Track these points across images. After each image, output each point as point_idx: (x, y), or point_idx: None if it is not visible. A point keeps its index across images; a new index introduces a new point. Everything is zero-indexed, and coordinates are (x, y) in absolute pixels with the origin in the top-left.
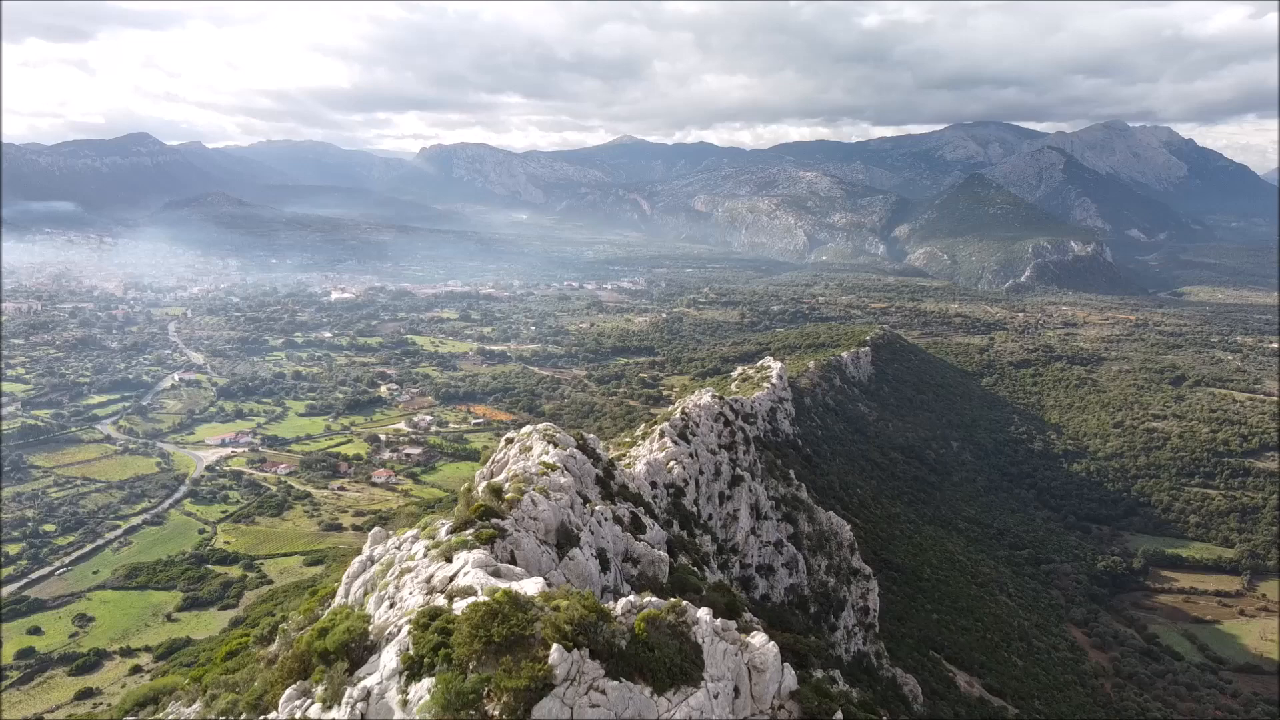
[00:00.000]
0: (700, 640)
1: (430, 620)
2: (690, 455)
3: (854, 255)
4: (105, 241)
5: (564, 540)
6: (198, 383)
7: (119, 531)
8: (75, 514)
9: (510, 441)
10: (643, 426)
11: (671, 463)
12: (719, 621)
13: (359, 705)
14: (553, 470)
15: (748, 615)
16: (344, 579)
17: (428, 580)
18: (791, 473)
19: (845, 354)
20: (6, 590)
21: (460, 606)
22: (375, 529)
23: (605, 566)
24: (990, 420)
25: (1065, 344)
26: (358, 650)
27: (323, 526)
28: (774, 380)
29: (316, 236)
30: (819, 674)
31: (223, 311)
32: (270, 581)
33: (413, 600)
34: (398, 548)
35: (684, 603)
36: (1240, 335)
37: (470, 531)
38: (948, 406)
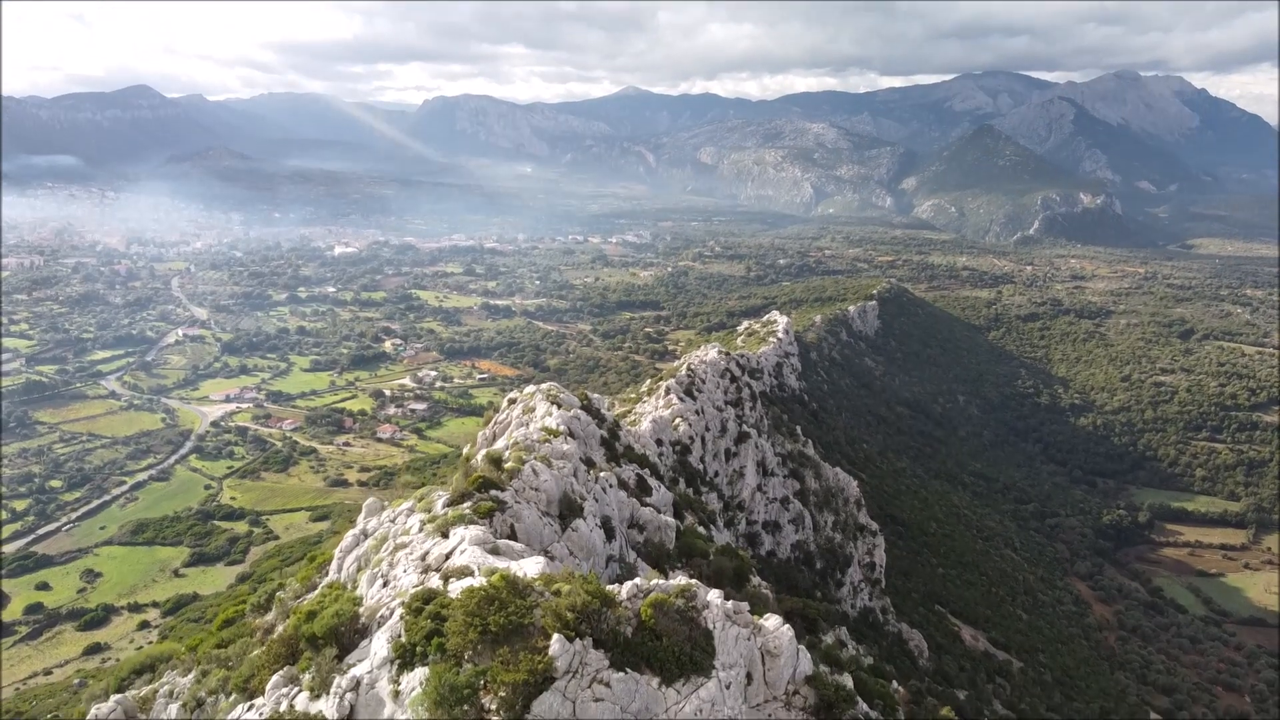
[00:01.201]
0: (711, 625)
1: (423, 604)
2: (696, 412)
3: (861, 208)
4: (107, 196)
5: (566, 511)
6: (201, 338)
7: (125, 487)
8: (81, 470)
9: (513, 402)
10: (648, 382)
11: (677, 420)
12: (730, 604)
13: (348, 696)
14: (555, 436)
15: (756, 580)
16: (336, 553)
17: (423, 558)
18: (798, 429)
19: (852, 308)
20: (14, 546)
21: (456, 588)
22: (370, 500)
23: (610, 535)
24: (997, 374)
25: (1073, 297)
26: (348, 634)
27: (328, 482)
28: (780, 335)
29: (319, 190)
30: (829, 638)
31: (226, 266)
32: (276, 537)
33: (407, 580)
34: (392, 521)
35: (694, 585)
36: (1250, 288)
37: (468, 505)
38: (954, 361)
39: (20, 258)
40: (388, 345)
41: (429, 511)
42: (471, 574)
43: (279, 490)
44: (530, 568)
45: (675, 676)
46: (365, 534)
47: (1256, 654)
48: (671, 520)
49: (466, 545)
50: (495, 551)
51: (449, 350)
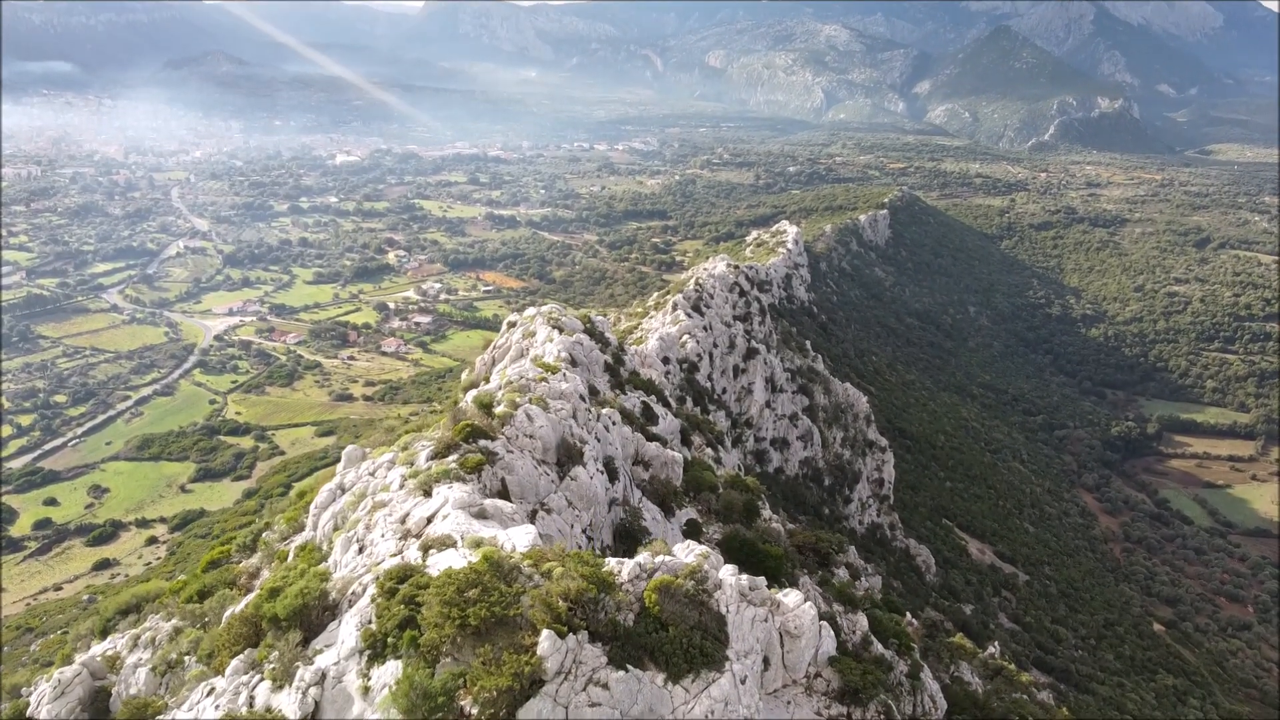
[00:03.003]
0: (724, 609)
1: (398, 584)
2: (704, 328)
3: (873, 113)
4: (104, 103)
5: (565, 457)
6: (203, 250)
7: (130, 402)
8: (85, 385)
9: (512, 325)
10: (655, 295)
11: (685, 337)
12: (745, 579)
13: (312, 691)
14: (553, 373)
15: (767, 513)
16: (312, 509)
17: (402, 520)
18: (808, 343)
19: (863, 217)
20: (20, 461)
21: (436, 564)
22: (350, 448)
23: (614, 476)
24: (1009, 284)
25: (1088, 205)
26: (316, 613)
27: (333, 396)
28: (790, 246)
29: (320, 97)
30: (842, 571)
31: (226, 176)
32: (282, 452)
33: (384, 547)
34: (371, 474)
35: (704, 565)
36: (1269, 195)
37: (454, 458)
38: (966, 271)
39: (17, 168)
40: (391, 257)
41: (411, 465)
42: (453, 545)
43: (284, 405)
44: (519, 538)
45: (684, 672)
46: (342, 489)
47: (1261, 565)
48: (678, 455)
49: (450, 509)
50: (482, 515)
51: (453, 262)
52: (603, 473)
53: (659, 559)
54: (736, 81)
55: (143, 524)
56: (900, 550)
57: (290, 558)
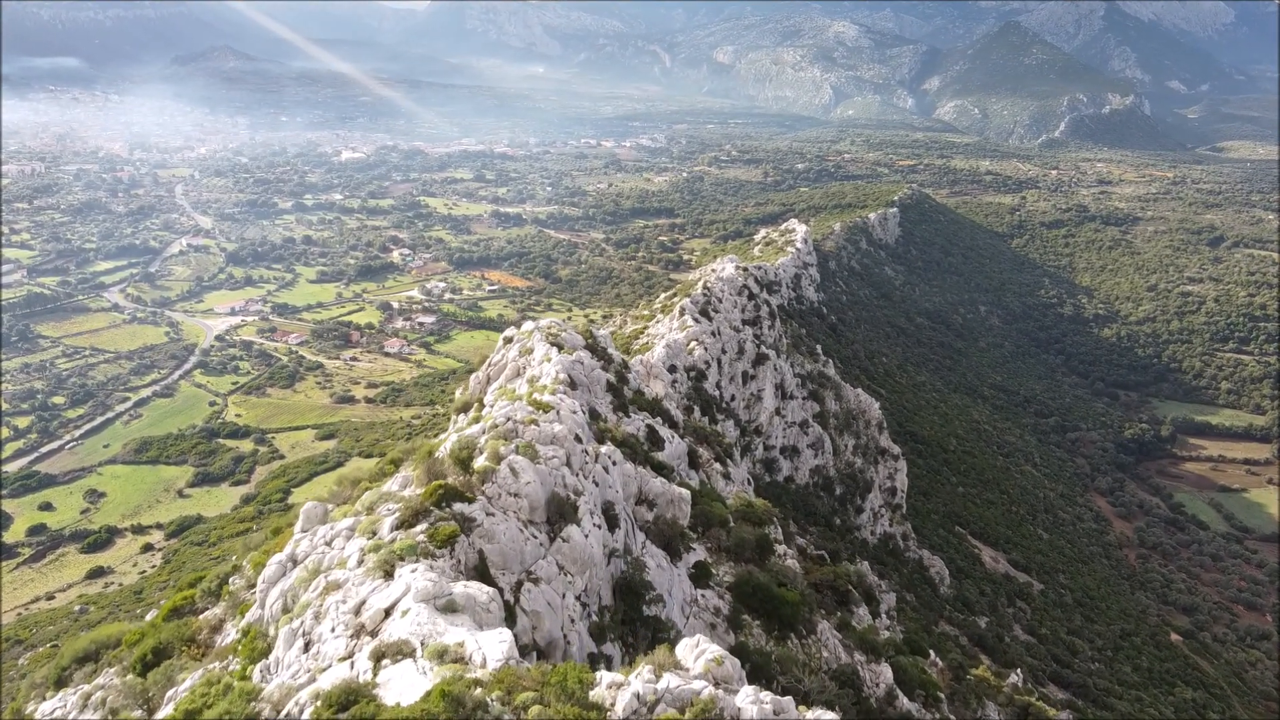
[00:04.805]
0: None
1: (339, 713)
2: (712, 334)
3: (882, 110)
4: (110, 99)
5: (556, 515)
6: (206, 248)
7: (129, 404)
8: (84, 385)
9: (509, 341)
10: (662, 297)
11: (692, 343)
12: (769, 703)
13: None
14: (545, 411)
15: (781, 548)
16: (260, 583)
17: (356, 610)
18: (818, 347)
19: (872, 215)
20: (17, 465)
21: (388, 680)
22: (308, 505)
23: (614, 524)
24: (1019, 283)
25: (1099, 203)
26: None
27: (335, 398)
28: (799, 244)
29: (327, 93)
30: (862, 611)
31: (230, 173)
32: (282, 456)
33: (332, 646)
34: (328, 543)
35: (718, 700)
36: None
37: (423, 528)
38: (976, 269)
39: (21, 165)
40: (395, 255)
41: (374, 534)
42: (412, 654)
43: (284, 407)
44: (491, 648)
45: None
46: (294, 560)
47: (1278, 572)
48: (685, 493)
49: (412, 602)
50: (451, 608)
51: (458, 260)
52: (600, 527)
53: (663, 684)
54: (744, 77)
55: (138, 530)
56: (914, 562)
57: (233, 632)
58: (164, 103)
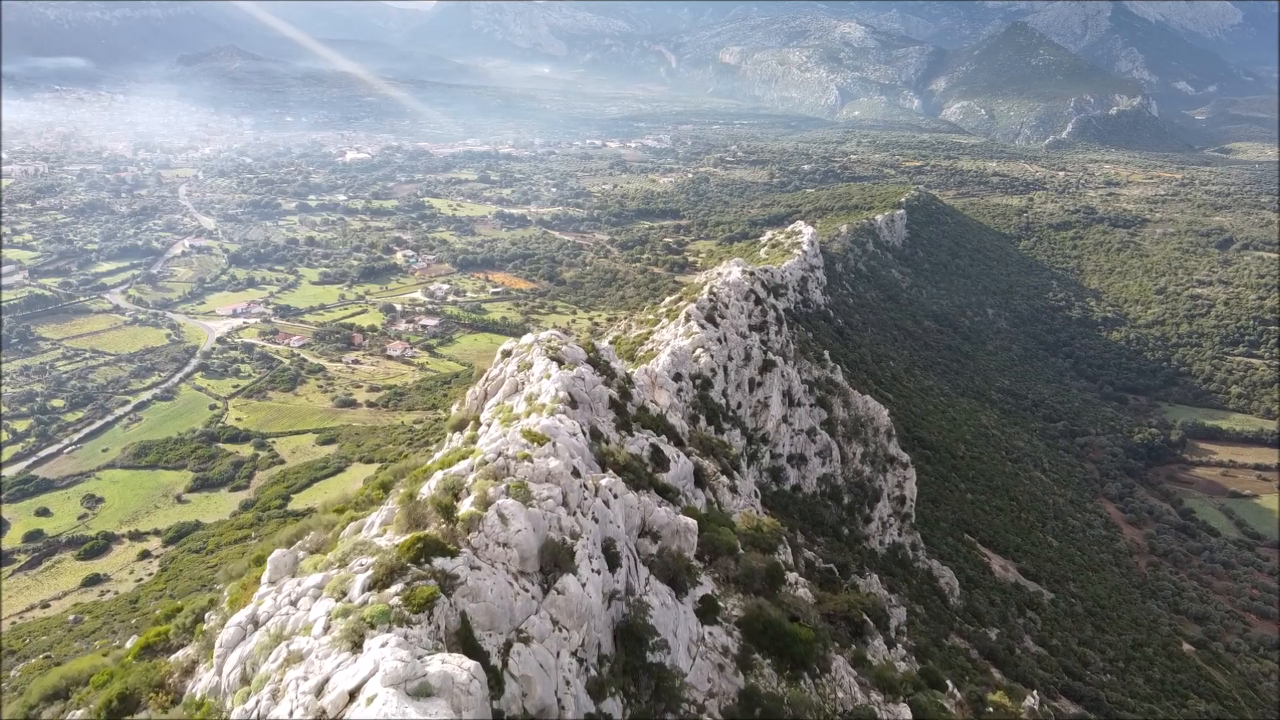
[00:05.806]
0: None
1: None
2: (718, 340)
3: (888, 111)
4: (116, 99)
5: (550, 564)
6: (209, 249)
7: (129, 407)
8: (84, 389)
9: (507, 355)
10: (668, 300)
11: (698, 350)
12: None
13: None
14: (541, 444)
15: (793, 576)
16: (218, 647)
17: (318, 691)
18: (826, 353)
19: (879, 217)
20: (15, 469)
21: None
22: (277, 553)
23: (614, 563)
24: (1027, 286)
25: (1107, 205)
26: None
27: (336, 402)
28: (805, 247)
29: (333, 93)
30: (879, 643)
31: (234, 173)
32: (282, 461)
33: None
34: (293, 603)
35: None
36: None
37: (398, 590)
38: (983, 272)
39: (25, 165)
40: (399, 257)
41: (344, 595)
42: None
43: (286, 411)
44: None
45: None
46: (255, 622)
47: None
48: (691, 523)
49: (379, 686)
50: (424, 693)
51: (462, 262)
52: (599, 572)
53: None
54: (750, 78)
55: (136, 536)
56: (923, 572)
57: (205, 676)
58: (169, 103)
